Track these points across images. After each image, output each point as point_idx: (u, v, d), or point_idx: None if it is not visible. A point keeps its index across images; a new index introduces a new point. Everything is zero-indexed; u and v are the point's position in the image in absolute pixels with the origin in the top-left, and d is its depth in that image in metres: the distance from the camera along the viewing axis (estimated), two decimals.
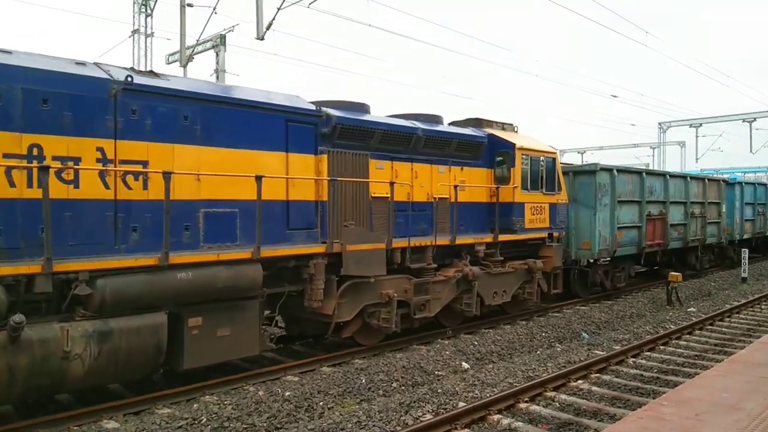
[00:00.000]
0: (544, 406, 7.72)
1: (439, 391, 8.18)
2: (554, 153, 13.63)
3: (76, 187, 6.82)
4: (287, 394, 7.87)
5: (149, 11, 22.25)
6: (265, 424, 7.04)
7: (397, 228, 10.26)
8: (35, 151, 6.53)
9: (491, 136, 12.47)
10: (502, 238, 12.08)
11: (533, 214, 12.71)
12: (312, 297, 8.97)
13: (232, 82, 19.10)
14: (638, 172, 17.44)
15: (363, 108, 10.47)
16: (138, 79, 7.40)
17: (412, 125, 10.90)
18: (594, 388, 8.45)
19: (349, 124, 9.74)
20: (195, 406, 7.40)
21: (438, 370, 9.40)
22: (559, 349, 11.13)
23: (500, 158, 12.45)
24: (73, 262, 6.58)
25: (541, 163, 12.96)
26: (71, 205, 6.78)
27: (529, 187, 12.56)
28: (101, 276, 6.68)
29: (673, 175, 19.05)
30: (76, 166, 6.76)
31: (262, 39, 18.13)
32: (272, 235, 8.52)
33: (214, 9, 19.64)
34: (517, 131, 13.62)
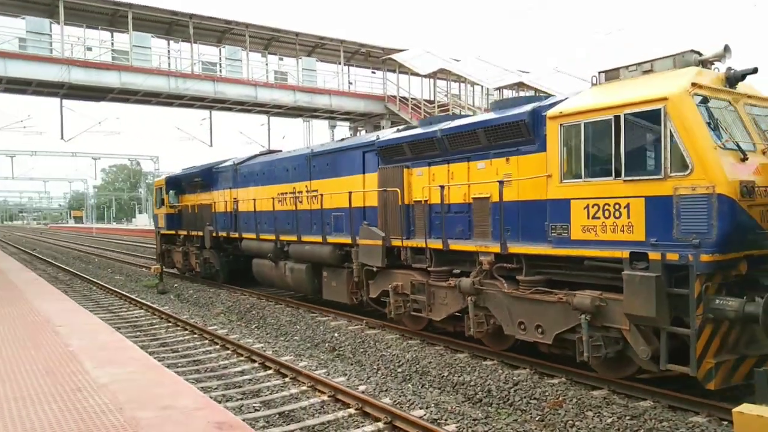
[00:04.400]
0: None
1: None
2: (657, 98, 7.36)
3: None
4: None
5: None
6: None
7: (433, 230, 11.01)
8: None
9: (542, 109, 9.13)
10: (516, 249, 9.05)
11: (593, 218, 7.97)
12: (355, 275, 12.87)
13: None
14: None
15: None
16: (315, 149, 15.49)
17: (431, 131, 11.04)
18: None
19: (388, 144, 12.14)
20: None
21: None
22: None
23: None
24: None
25: (621, 124, 7.63)
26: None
27: (582, 172, 8.10)
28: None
29: None
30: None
31: None
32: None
33: None
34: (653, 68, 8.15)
